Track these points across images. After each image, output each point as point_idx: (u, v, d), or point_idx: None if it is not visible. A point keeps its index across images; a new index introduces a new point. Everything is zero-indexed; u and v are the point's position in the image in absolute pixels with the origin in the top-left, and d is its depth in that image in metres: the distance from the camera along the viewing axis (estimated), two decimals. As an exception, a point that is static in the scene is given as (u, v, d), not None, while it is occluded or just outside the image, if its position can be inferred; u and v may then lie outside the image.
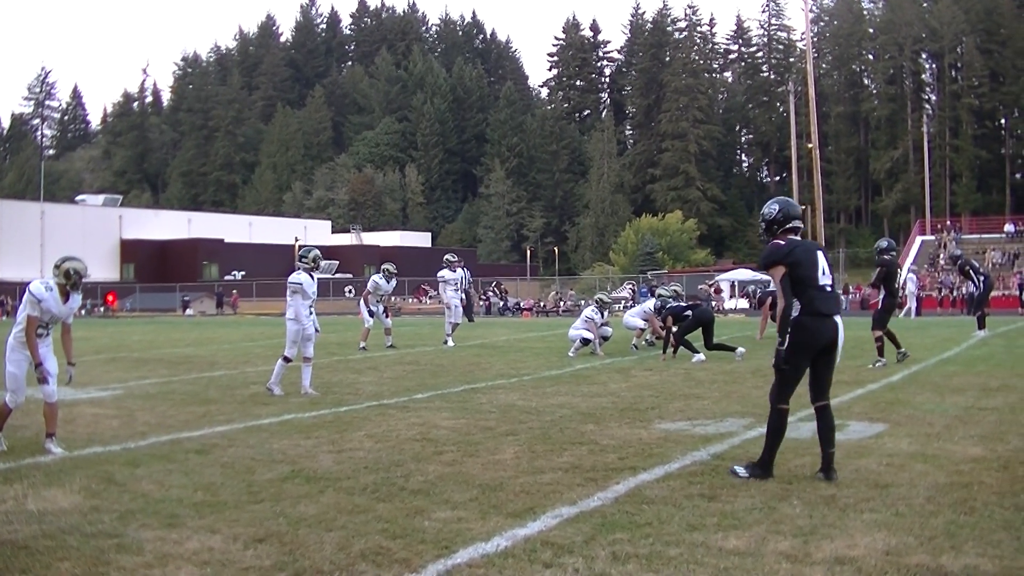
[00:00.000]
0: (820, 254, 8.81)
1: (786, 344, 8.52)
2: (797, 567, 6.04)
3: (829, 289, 8.71)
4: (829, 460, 8.68)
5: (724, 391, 15.30)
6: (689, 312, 22.80)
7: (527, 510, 7.55)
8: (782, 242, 8.77)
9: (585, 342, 23.05)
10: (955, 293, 62.82)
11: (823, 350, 8.68)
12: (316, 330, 16.31)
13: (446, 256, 29.58)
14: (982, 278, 28.89)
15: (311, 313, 16.02)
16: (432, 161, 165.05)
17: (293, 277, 15.88)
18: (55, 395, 10.73)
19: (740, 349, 21.83)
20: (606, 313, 24.45)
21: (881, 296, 20.34)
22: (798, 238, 8.87)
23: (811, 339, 8.58)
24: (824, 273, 8.67)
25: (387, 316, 28.11)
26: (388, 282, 28.06)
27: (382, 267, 28.01)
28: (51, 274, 10.91)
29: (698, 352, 21.58)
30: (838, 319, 8.66)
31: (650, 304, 27.39)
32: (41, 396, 10.66)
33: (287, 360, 15.75)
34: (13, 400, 10.71)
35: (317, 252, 16.30)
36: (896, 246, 22.03)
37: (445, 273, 28.98)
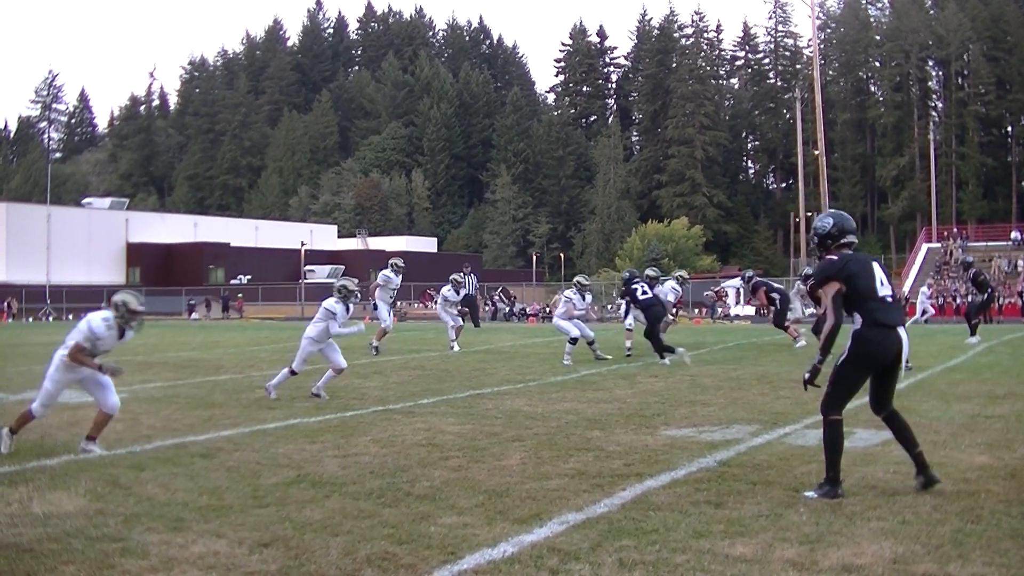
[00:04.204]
0: (876, 265, 8.65)
1: (845, 356, 8.38)
2: (804, 574, 6.04)
3: (890, 300, 8.53)
4: (921, 460, 8.52)
5: (730, 398, 15.27)
6: (638, 290, 22.87)
7: (533, 516, 7.54)
8: (835, 257, 8.60)
9: (574, 341, 22.87)
10: (958, 301, 62.77)
11: (887, 363, 8.49)
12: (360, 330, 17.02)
13: (453, 276, 29.26)
14: (989, 290, 29.81)
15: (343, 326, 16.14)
16: (438, 166, 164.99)
17: (329, 305, 15.77)
18: (117, 407, 10.94)
19: (680, 349, 21.83)
20: (588, 296, 24.35)
21: None
22: (851, 252, 8.74)
23: (875, 352, 8.37)
24: (882, 284, 8.50)
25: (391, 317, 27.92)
26: (457, 294, 28.05)
27: (390, 261, 27.73)
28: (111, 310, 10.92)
29: (665, 358, 21.50)
30: (901, 330, 8.46)
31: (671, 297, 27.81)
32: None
33: (293, 373, 15.76)
34: (40, 413, 10.88)
35: (345, 284, 16.19)
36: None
37: (449, 293, 28.83)
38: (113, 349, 10.99)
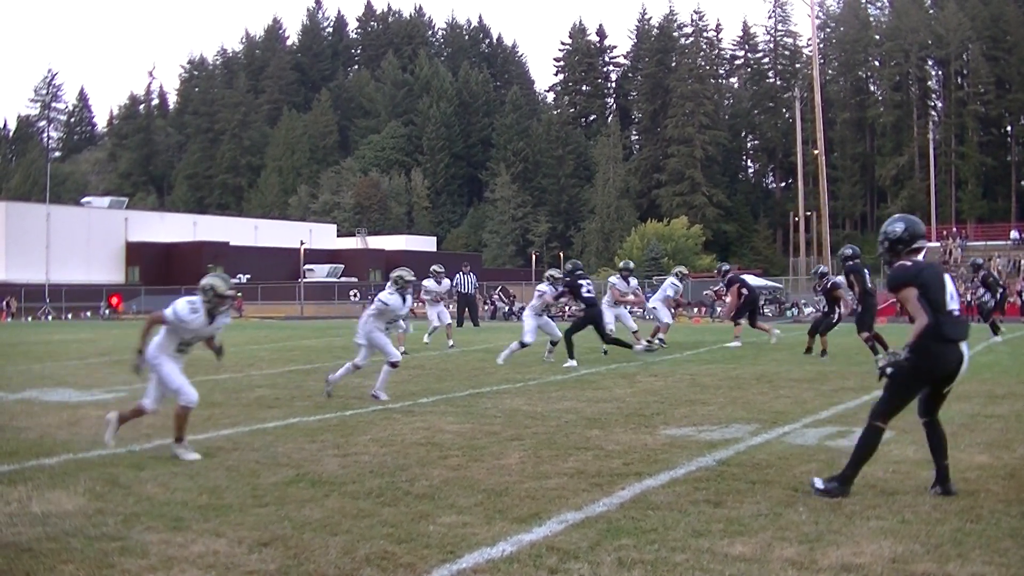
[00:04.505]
0: (948, 277, 8.45)
1: (905, 367, 8.26)
2: (803, 574, 6.04)
3: (957, 314, 8.35)
4: (946, 472, 8.38)
5: (729, 397, 15.27)
6: (584, 288, 22.58)
7: (532, 515, 7.54)
8: (908, 263, 8.40)
9: (554, 344, 22.79)
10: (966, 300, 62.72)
11: (945, 377, 8.32)
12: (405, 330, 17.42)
13: (433, 267, 29.20)
14: (1001, 290, 30.72)
15: (395, 321, 16.19)
16: (438, 165, 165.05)
17: (384, 297, 15.66)
18: (195, 399, 10.59)
19: (638, 347, 21.84)
20: (560, 289, 24.32)
21: (858, 299, 20.67)
22: (922, 258, 8.60)
23: (934, 365, 8.20)
24: (952, 297, 8.31)
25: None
26: (439, 283, 27.98)
27: (431, 269, 27.88)
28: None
29: (573, 359, 21.40)
30: (964, 346, 8.29)
31: (671, 291, 27.96)
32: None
33: (357, 367, 15.77)
34: (151, 405, 10.69)
35: (402, 274, 16.04)
36: (860, 252, 22.19)
37: (430, 284, 28.75)
38: (205, 336, 10.82)
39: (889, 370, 8.27)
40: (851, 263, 20.81)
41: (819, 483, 8.27)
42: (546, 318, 23.13)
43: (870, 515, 7.46)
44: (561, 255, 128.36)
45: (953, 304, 8.30)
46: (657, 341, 27.08)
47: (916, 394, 8.41)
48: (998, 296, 31.62)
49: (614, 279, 26.20)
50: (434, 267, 29.16)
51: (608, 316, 25.57)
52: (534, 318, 22.72)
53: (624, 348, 22.34)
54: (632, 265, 26.88)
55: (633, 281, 26.31)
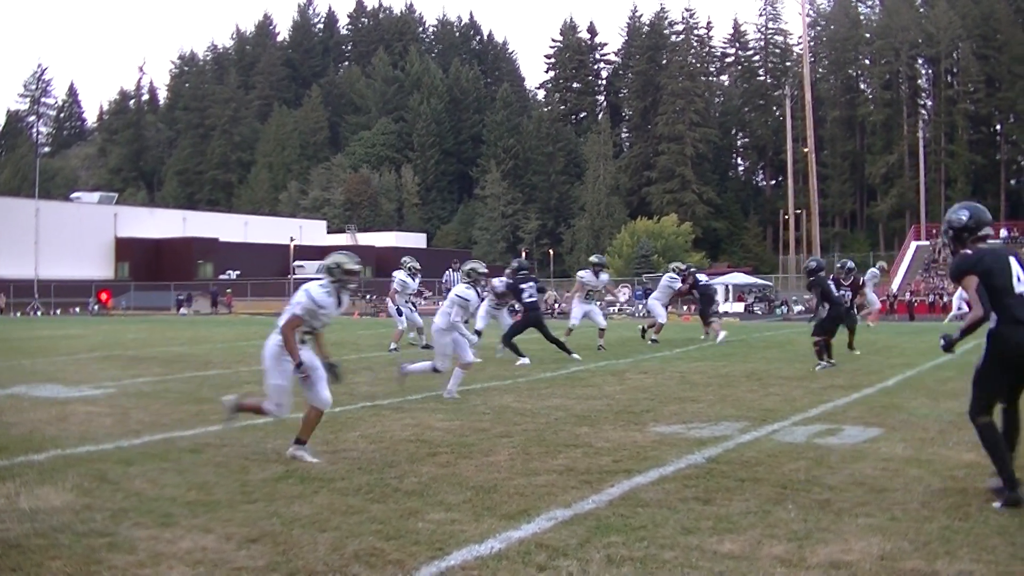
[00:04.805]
0: (1013, 260, 8.23)
1: (983, 357, 8.11)
2: (792, 571, 6.04)
3: None
4: (1011, 476, 7.98)
5: (719, 394, 15.27)
6: (526, 292, 22.41)
7: (521, 512, 7.54)
8: (970, 251, 8.29)
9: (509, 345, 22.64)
10: (946, 298, 62.92)
11: (1021, 359, 7.97)
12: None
13: (405, 258, 28.60)
14: None
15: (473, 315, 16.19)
16: (428, 162, 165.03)
17: (461, 292, 15.57)
18: (330, 401, 10.28)
19: (576, 356, 21.58)
20: (482, 290, 24.14)
21: (826, 307, 20.54)
22: (987, 246, 8.42)
23: (1012, 349, 7.94)
24: (1019, 280, 8.05)
25: (415, 313, 27.39)
26: (414, 279, 27.70)
27: (404, 262, 27.13)
28: (322, 277, 10.34)
29: (524, 355, 21.31)
30: None
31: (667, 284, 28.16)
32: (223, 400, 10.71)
33: (436, 371, 15.43)
34: (277, 415, 10.27)
35: (475, 267, 15.90)
36: (824, 264, 22.14)
37: (402, 274, 28.32)
38: (331, 319, 10.48)
39: (946, 343, 8.25)
40: (814, 278, 20.73)
41: (998, 505, 7.80)
42: (505, 313, 23.36)
43: (859, 512, 7.46)
44: (551, 252, 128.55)
45: (1021, 287, 8.04)
46: (651, 340, 27.26)
47: (1003, 382, 8.13)
48: None
49: (583, 273, 26.07)
50: (406, 258, 28.96)
51: (576, 312, 25.56)
52: (486, 316, 22.99)
53: (565, 353, 22.06)
54: (604, 259, 26.80)
55: (604, 276, 26.17)
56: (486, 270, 15.99)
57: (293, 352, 9.91)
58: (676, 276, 28.82)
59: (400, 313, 26.27)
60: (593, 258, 26.66)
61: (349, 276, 10.29)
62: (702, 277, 30.83)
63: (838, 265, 25.03)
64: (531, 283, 22.82)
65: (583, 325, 26.12)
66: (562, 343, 22.17)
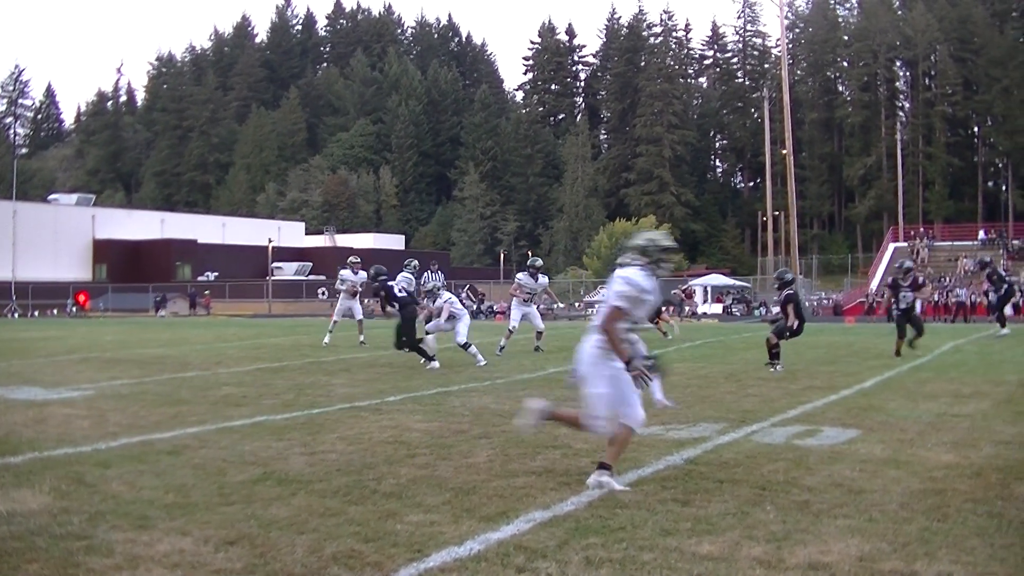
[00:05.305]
0: None
1: None
2: (771, 573, 6.04)
3: None
4: None
5: (698, 396, 15.28)
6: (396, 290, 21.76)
7: (500, 514, 7.52)
8: None
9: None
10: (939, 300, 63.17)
11: None
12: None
13: (351, 257, 29.09)
14: (1005, 286, 32.10)
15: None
16: (406, 163, 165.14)
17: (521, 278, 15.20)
18: (644, 419, 8.94)
19: (434, 364, 20.66)
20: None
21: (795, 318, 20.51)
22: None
23: None
24: None
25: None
26: (355, 274, 27.69)
27: (409, 264, 27.07)
28: (630, 259, 9.01)
29: (433, 360, 20.73)
30: None
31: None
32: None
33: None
34: (596, 429, 8.86)
35: (534, 261, 15.35)
36: (795, 277, 22.12)
37: (346, 274, 28.69)
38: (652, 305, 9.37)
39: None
40: (792, 291, 20.67)
41: None
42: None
43: (837, 514, 7.46)
44: (529, 253, 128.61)
45: None
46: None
47: None
48: (1002, 291, 33.14)
49: (521, 276, 26.02)
50: (351, 258, 29.11)
51: (515, 314, 25.49)
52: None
53: (423, 356, 21.54)
54: (540, 262, 26.72)
55: (542, 279, 26.16)
56: (541, 264, 15.51)
57: (620, 350, 8.65)
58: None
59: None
60: (531, 261, 26.59)
61: (665, 253, 9.08)
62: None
63: (896, 266, 24.96)
64: (398, 281, 22.40)
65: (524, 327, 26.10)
66: (419, 347, 21.53)
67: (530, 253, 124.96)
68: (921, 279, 27.15)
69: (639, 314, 8.80)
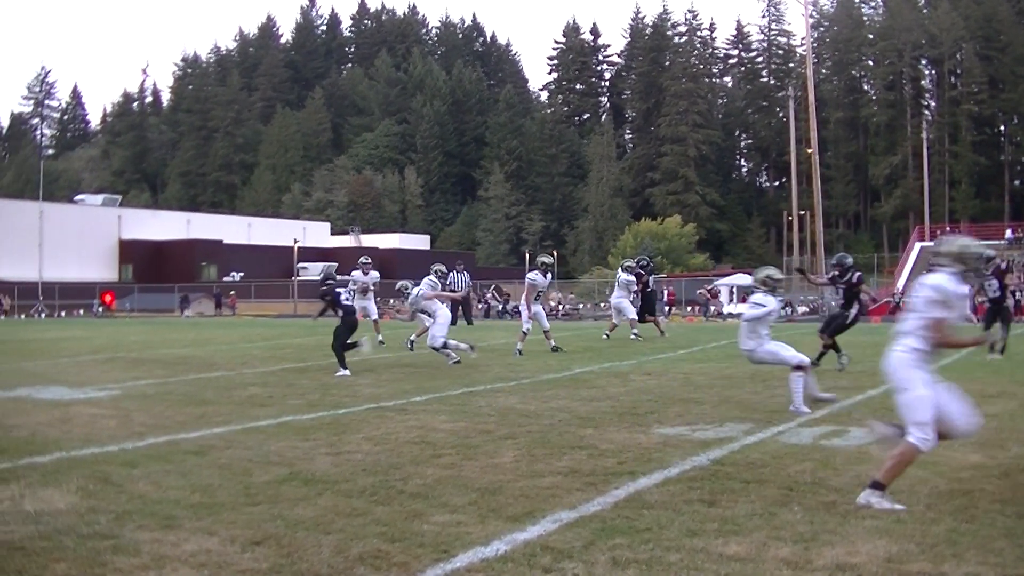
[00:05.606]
0: None
1: None
2: (798, 573, 6.01)
3: None
4: None
5: (723, 396, 15.23)
6: (342, 296, 21.52)
7: (526, 514, 7.51)
8: None
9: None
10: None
11: None
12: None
13: (361, 258, 29.24)
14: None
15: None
16: (431, 163, 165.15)
17: (758, 299, 14.82)
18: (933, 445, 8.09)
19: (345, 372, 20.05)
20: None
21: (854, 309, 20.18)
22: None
23: None
24: None
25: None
26: (365, 274, 27.80)
27: (434, 268, 27.16)
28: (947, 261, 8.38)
29: (346, 369, 20.11)
30: None
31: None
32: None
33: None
34: (925, 442, 7.94)
35: (771, 274, 15.00)
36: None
37: (356, 275, 28.83)
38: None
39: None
40: (859, 273, 20.30)
41: None
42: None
43: (864, 514, 7.43)
44: (555, 253, 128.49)
45: None
46: (632, 334, 27.78)
47: None
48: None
49: (534, 275, 25.76)
50: (361, 258, 29.24)
51: (524, 314, 25.39)
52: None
53: (338, 363, 21.13)
54: (550, 260, 26.74)
55: (549, 276, 26.33)
56: (782, 276, 14.91)
57: (967, 342, 8.70)
58: (630, 277, 29.13)
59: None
60: (543, 258, 26.49)
61: (981, 262, 8.69)
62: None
63: (834, 260, 24.07)
64: (346, 288, 22.37)
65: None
66: (342, 354, 21.08)
67: (554, 253, 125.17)
68: (1004, 264, 25.85)
69: (954, 317, 8.32)
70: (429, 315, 22.22)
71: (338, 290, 21.47)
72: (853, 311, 20.00)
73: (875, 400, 14.46)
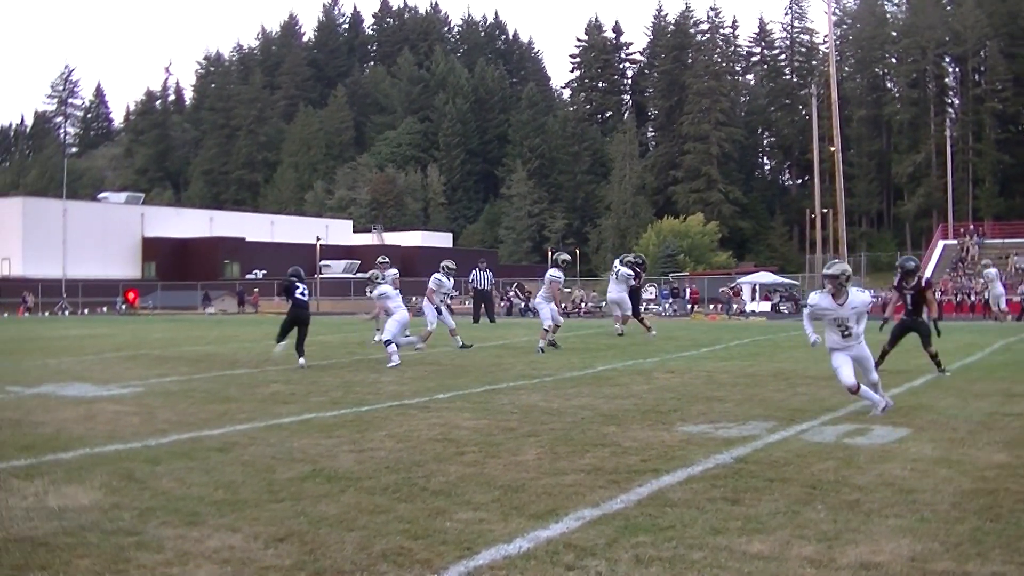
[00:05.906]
0: None
1: None
2: (822, 572, 6.00)
3: None
4: None
5: (746, 394, 15.21)
6: (297, 290, 21.81)
7: (549, 512, 7.51)
8: None
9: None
10: (973, 298, 62.51)
11: None
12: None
13: (379, 258, 29.21)
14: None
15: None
16: (453, 161, 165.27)
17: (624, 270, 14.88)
18: None
19: (302, 361, 20.60)
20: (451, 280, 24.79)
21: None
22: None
23: None
24: None
25: (451, 315, 27.55)
26: (449, 279, 27.83)
27: (442, 264, 27.35)
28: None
29: (284, 342, 21.07)
30: None
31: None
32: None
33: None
34: None
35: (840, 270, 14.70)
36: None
37: (441, 278, 28.85)
38: None
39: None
40: (928, 278, 19.63)
41: None
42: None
43: (888, 513, 7.40)
44: (577, 251, 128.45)
45: None
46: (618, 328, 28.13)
47: None
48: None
49: (556, 272, 25.97)
50: (380, 258, 29.35)
51: (544, 311, 25.41)
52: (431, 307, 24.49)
53: (297, 357, 21.20)
54: (569, 257, 26.86)
55: (451, 280, 26.67)
56: (850, 273, 14.43)
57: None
58: (630, 272, 29.15)
59: (439, 312, 26.28)
60: (563, 255, 26.64)
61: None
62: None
63: (899, 263, 23.11)
64: (304, 283, 22.38)
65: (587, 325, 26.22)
66: (300, 347, 21.23)
67: (577, 251, 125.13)
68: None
69: None
70: (387, 313, 22.21)
71: (297, 285, 21.89)
72: (925, 317, 18.89)
73: (898, 398, 14.38)
